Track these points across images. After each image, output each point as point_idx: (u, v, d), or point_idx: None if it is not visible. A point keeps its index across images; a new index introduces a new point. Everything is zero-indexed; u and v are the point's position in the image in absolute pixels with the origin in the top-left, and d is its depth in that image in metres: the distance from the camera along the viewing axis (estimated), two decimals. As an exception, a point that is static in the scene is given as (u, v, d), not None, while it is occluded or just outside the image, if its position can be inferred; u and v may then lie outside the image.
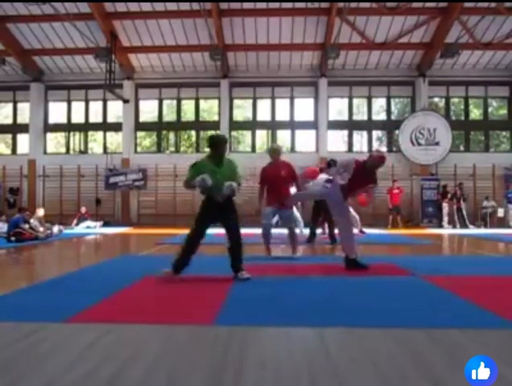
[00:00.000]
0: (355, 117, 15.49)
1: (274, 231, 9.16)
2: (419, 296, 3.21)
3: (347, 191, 4.43)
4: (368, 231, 11.01)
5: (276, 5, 12.89)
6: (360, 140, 15.84)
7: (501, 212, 13.74)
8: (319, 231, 8.03)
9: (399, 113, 15.99)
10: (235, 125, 15.55)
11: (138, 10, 13.12)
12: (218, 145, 3.95)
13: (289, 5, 12.89)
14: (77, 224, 12.90)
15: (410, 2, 12.56)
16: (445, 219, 13.46)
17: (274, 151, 5.48)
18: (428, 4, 12.84)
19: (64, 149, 16.10)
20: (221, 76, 14.91)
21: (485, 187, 14.45)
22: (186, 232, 3.94)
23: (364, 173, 4.37)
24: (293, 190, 5.71)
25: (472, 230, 12.32)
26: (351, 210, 9.35)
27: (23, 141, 15.71)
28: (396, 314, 2.66)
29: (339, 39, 13.10)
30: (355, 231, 9.32)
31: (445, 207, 13.48)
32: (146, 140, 16.36)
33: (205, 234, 3.93)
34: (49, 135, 16.03)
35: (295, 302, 2.96)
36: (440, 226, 13.36)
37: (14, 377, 1.38)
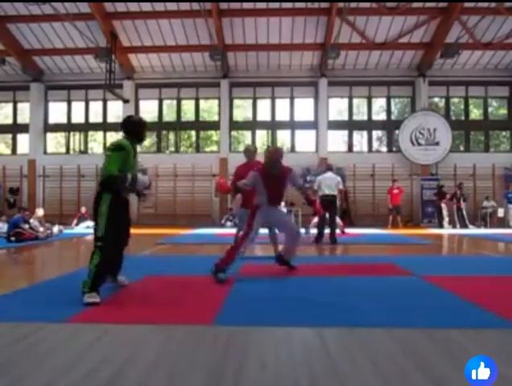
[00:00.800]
0: (355, 117, 15.49)
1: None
2: (419, 296, 3.21)
3: (271, 199, 4.18)
4: (368, 231, 11.02)
5: (276, 5, 12.89)
6: (360, 140, 15.85)
7: (501, 212, 13.74)
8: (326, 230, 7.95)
9: (399, 113, 15.99)
10: (235, 125, 15.55)
11: (138, 10, 13.12)
12: (138, 128, 3.38)
13: (289, 5, 12.89)
14: (77, 224, 12.90)
15: (410, 2, 12.57)
16: (446, 219, 13.45)
17: (249, 151, 5.46)
18: (428, 4, 12.84)
19: (63, 149, 16.10)
20: (221, 76, 14.91)
21: (485, 187, 14.46)
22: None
23: (271, 174, 4.14)
24: None
25: (472, 230, 12.32)
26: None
27: (23, 141, 15.72)
28: (396, 313, 2.66)
29: (339, 39, 13.10)
30: (337, 231, 9.32)
31: (444, 207, 13.48)
32: (146, 140, 16.37)
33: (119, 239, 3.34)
34: (49, 135, 16.03)
35: (295, 302, 2.96)
36: (441, 226, 13.34)
37: (15, 377, 1.38)
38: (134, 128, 3.35)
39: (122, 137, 3.33)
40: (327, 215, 7.62)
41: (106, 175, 3.12)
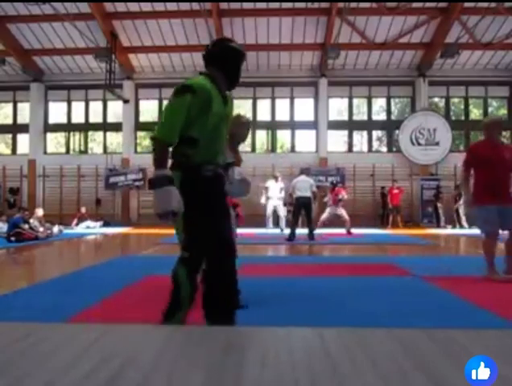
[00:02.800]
0: (355, 117, 15.50)
1: (271, 231, 9.19)
2: (419, 296, 3.21)
3: None
4: (368, 231, 11.02)
5: (276, 5, 12.89)
6: (360, 140, 15.85)
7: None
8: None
9: (399, 113, 15.99)
10: (235, 125, 15.54)
11: (138, 10, 13.12)
12: (233, 59, 2.06)
13: (289, 5, 12.89)
14: (77, 224, 12.90)
15: (410, 2, 12.57)
16: (442, 218, 13.48)
17: (492, 125, 3.94)
18: (428, 4, 12.84)
19: (64, 149, 16.10)
20: (221, 76, 14.89)
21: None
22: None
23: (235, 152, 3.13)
24: None
25: (470, 230, 12.31)
26: (342, 211, 9.50)
27: (23, 141, 15.72)
28: (396, 313, 2.66)
29: (339, 39, 13.10)
30: (343, 231, 9.54)
31: (440, 207, 13.53)
32: (146, 140, 16.36)
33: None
34: (49, 135, 16.03)
35: (295, 302, 2.96)
36: (440, 226, 13.32)
37: (15, 377, 1.38)
38: (225, 58, 2.05)
39: (201, 74, 2.06)
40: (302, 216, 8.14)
41: (155, 140, 1.84)
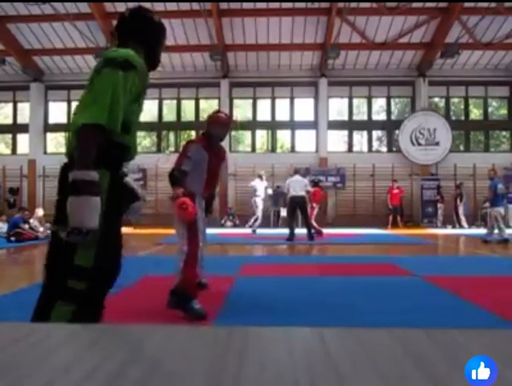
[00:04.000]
0: (355, 117, 15.49)
1: (272, 231, 9.20)
2: (419, 296, 3.22)
3: (206, 188, 3.09)
4: (368, 231, 11.03)
5: (276, 5, 12.89)
6: (360, 140, 15.85)
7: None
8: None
9: (399, 113, 15.99)
10: (235, 125, 15.53)
11: (137, 10, 13.12)
12: (156, 35, 1.66)
13: (289, 5, 12.89)
14: (77, 224, 12.89)
15: (410, 2, 12.56)
16: (440, 218, 13.53)
17: None
18: (428, 4, 12.83)
19: (63, 149, 16.03)
20: (221, 76, 14.91)
21: (485, 187, 14.41)
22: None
23: (213, 151, 3.06)
24: None
25: (470, 230, 12.32)
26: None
27: (23, 141, 15.72)
28: (396, 313, 2.66)
29: (339, 39, 13.10)
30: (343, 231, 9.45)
31: (440, 207, 13.56)
32: (146, 140, 16.37)
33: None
34: (49, 135, 16.03)
35: (295, 302, 2.96)
36: (438, 226, 13.33)
37: (14, 377, 1.38)
38: (150, 33, 1.63)
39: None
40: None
41: (82, 124, 1.36)
